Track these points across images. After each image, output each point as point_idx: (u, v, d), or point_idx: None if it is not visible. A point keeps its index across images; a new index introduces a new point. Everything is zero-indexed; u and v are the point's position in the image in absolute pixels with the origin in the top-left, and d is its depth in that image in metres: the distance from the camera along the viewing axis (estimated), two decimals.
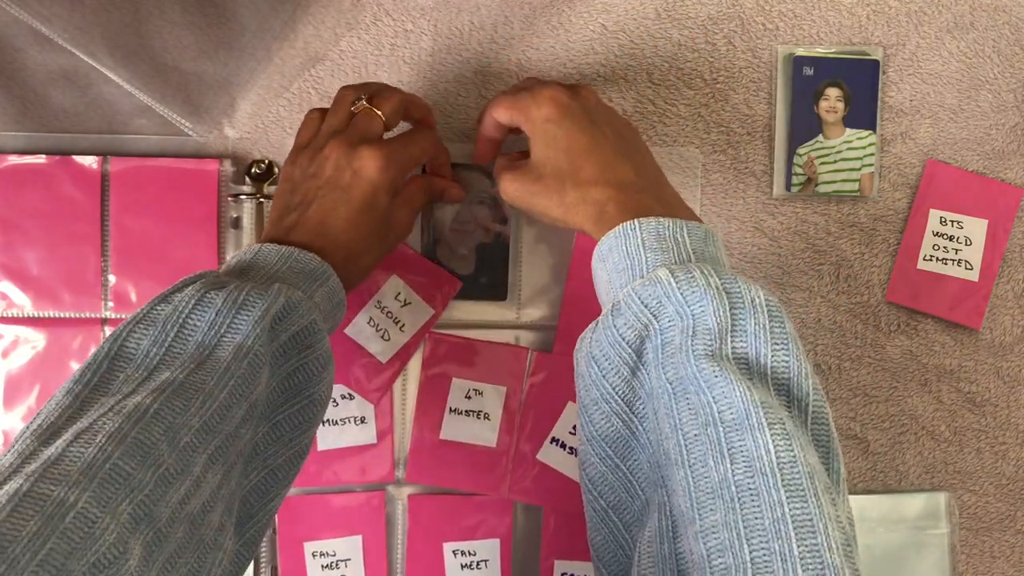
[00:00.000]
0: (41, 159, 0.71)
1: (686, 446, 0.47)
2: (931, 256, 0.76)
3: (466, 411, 0.73)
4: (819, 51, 0.75)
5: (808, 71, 0.75)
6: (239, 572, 0.53)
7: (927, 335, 0.77)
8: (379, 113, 0.64)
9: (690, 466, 0.47)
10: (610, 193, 0.59)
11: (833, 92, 0.75)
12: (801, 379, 0.49)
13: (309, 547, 0.72)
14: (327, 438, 0.72)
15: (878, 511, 0.77)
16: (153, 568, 0.43)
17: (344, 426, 0.72)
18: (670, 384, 0.49)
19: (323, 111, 0.66)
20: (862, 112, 0.75)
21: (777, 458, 0.45)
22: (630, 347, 0.52)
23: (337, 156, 0.61)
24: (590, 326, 0.55)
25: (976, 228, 0.77)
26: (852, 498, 0.77)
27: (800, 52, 0.75)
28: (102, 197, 0.71)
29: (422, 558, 0.73)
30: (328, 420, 0.72)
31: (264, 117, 0.73)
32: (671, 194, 0.61)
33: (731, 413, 0.46)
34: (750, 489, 0.44)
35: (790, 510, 0.43)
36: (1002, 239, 0.77)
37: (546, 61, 0.74)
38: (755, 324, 0.49)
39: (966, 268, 0.77)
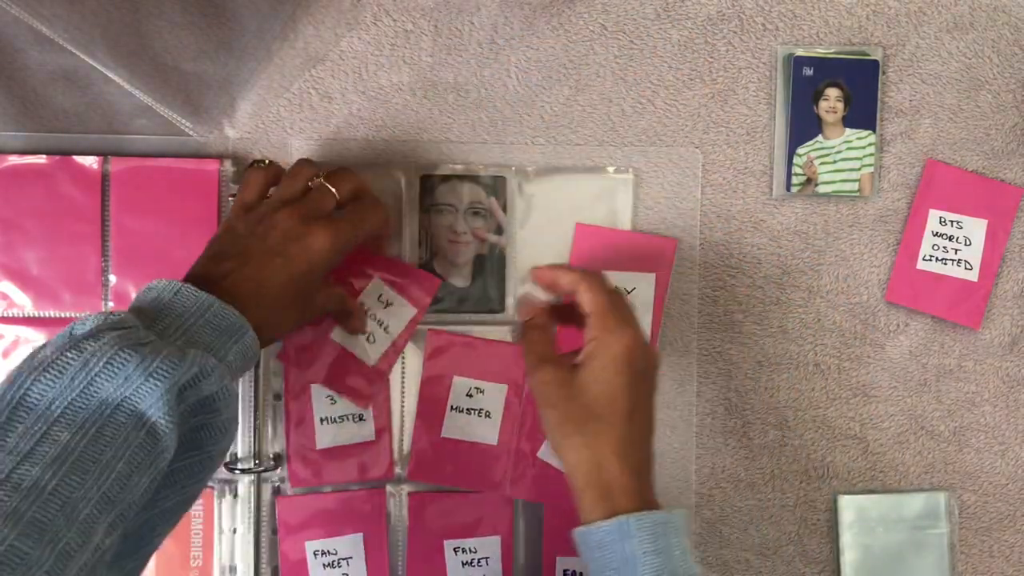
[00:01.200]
0: (41, 159, 0.71)
1: None
2: (931, 256, 0.77)
3: (467, 409, 0.73)
4: (819, 51, 0.75)
5: (808, 71, 0.75)
6: None
7: (927, 335, 0.77)
8: (333, 191, 0.64)
9: None
10: (621, 471, 0.59)
11: (833, 92, 0.75)
12: None
13: (310, 546, 0.72)
14: (325, 436, 0.72)
15: (878, 511, 0.77)
16: None
17: (342, 424, 0.72)
18: None
19: (265, 169, 0.66)
20: (862, 112, 0.75)
21: None
22: None
23: (287, 226, 0.61)
24: None
25: (976, 228, 0.77)
26: (852, 498, 0.77)
27: (800, 52, 0.75)
28: (102, 197, 0.71)
29: (423, 556, 0.73)
30: (326, 418, 0.72)
31: (264, 117, 0.73)
32: (652, 479, 0.62)
33: None
34: None
35: None
36: (1002, 239, 0.77)
37: (546, 61, 0.74)
38: None
39: (966, 268, 0.77)
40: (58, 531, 0.45)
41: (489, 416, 0.73)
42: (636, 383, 0.61)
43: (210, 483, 0.72)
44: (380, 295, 0.71)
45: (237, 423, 0.58)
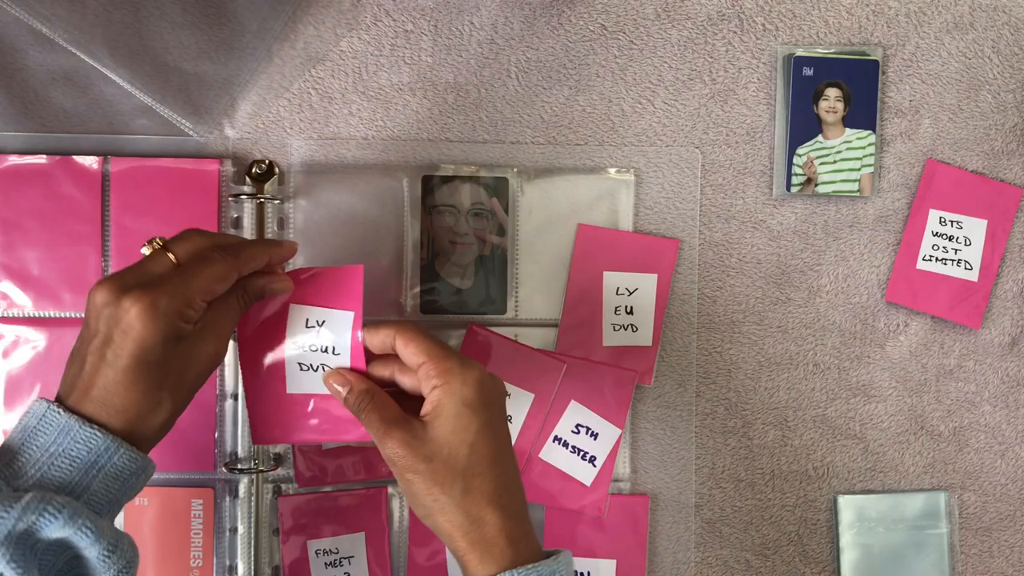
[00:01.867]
0: (42, 159, 0.71)
1: None
2: (931, 256, 0.77)
3: None
4: (819, 51, 0.75)
5: (808, 71, 0.75)
6: None
7: (927, 335, 0.77)
8: (171, 256, 0.55)
9: None
10: (502, 522, 0.55)
11: (833, 92, 0.75)
12: None
13: (312, 545, 0.72)
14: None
15: (878, 511, 0.77)
16: None
17: None
18: None
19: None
20: (862, 112, 0.76)
21: None
22: None
23: (103, 303, 0.53)
24: None
25: (975, 228, 0.77)
26: (852, 498, 0.77)
27: (800, 52, 0.75)
28: (102, 197, 0.71)
29: (424, 555, 0.73)
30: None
31: (264, 117, 0.73)
32: (529, 521, 0.58)
33: None
34: None
35: None
36: (1001, 239, 0.77)
37: (546, 61, 0.74)
38: None
39: (965, 268, 0.77)
40: None
41: (511, 420, 0.73)
42: (493, 420, 0.57)
43: (210, 484, 0.72)
44: (307, 320, 0.61)
45: (117, 554, 0.51)
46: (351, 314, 0.61)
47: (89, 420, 0.52)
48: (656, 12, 0.75)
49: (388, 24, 0.73)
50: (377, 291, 0.73)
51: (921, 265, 0.77)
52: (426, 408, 0.57)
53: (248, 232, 0.72)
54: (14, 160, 0.71)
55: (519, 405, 0.73)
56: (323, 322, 0.61)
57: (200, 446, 0.72)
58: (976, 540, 0.78)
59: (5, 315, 0.71)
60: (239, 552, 0.71)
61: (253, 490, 0.71)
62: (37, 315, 0.71)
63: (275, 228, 0.72)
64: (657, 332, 0.75)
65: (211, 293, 0.56)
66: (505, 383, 0.72)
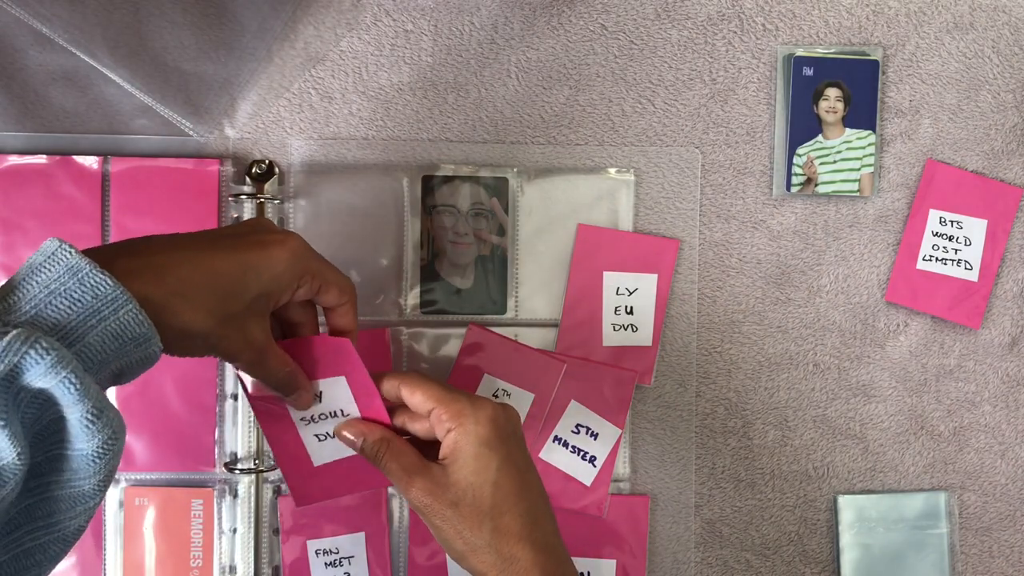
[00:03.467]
0: (41, 159, 0.71)
1: None
2: (931, 256, 0.77)
3: None
4: (819, 51, 0.75)
5: (808, 71, 0.75)
6: None
7: (927, 335, 0.77)
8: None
9: None
10: (535, 557, 0.54)
11: (833, 92, 0.75)
12: None
13: (312, 545, 0.72)
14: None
15: (878, 511, 0.77)
16: None
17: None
18: None
19: None
20: (862, 112, 0.76)
21: None
22: None
23: (256, 220, 0.57)
24: None
25: (975, 228, 0.77)
26: (852, 498, 0.77)
27: (800, 52, 0.75)
28: (102, 197, 0.71)
29: (424, 556, 0.73)
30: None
31: (264, 117, 0.73)
32: (568, 556, 0.58)
33: None
34: None
35: None
36: (1001, 239, 0.77)
37: (546, 61, 0.74)
38: None
39: (965, 268, 0.77)
40: None
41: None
42: (512, 454, 0.56)
43: (210, 484, 0.72)
44: (319, 393, 0.60)
45: (103, 421, 0.44)
46: (342, 378, 0.59)
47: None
48: (656, 12, 0.75)
49: (388, 24, 0.73)
50: (377, 291, 0.73)
51: (921, 265, 0.77)
52: (443, 452, 0.56)
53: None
54: (14, 160, 0.71)
55: (519, 405, 0.73)
56: (320, 393, 0.60)
57: (200, 446, 0.72)
58: (976, 540, 0.78)
59: None
60: (239, 552, 0.71)
61: (253, 490, 0.71)
62: None
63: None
64: (657, 332, 0.75)
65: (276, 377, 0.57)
66: (505, 382, 0.72)
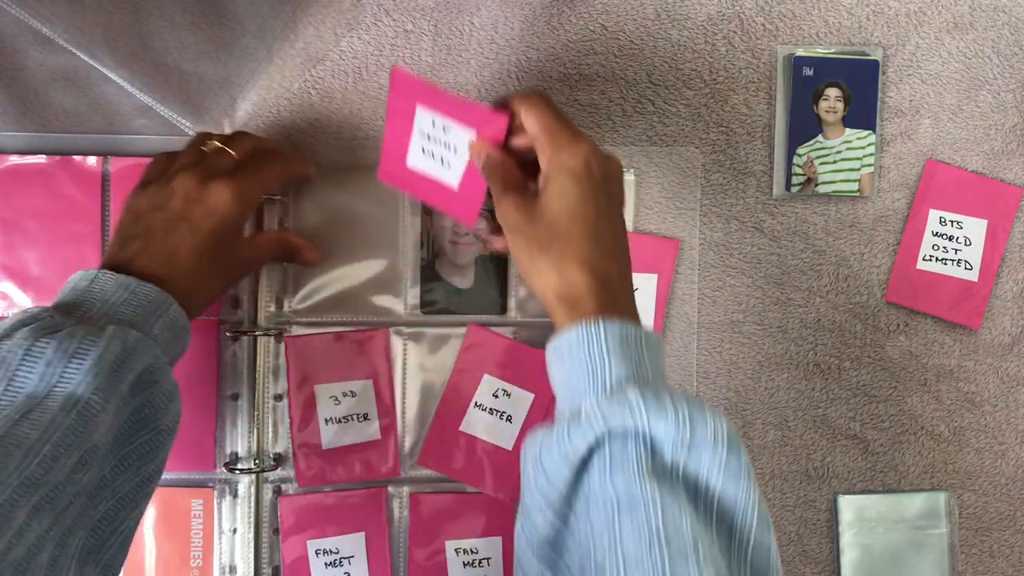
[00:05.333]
0: (41, 159, 0.71)
1: (626, 565, 0.47)
2: (931, 256, 0.77)
3: (491, 409, 0.73)
4: (819, 51, 0.75)
5: (808, 71, 0.75)
6: None
7: (927, 335, 0.77)
8: (229, 151, 0.64)
9: None
10: (591, 283, 0.56)
11: (833, 92, 0.75)
12: (748, 511, 0.49)
13: (312, 545, 0.72)
14: (330, 436, 0.72)
15: (878, 511, 0.77)
16: None
17: (347, 424, 0.72)
18: (616, 495, 0.49)
19: (172, 155, 0.66)
20: (862, 112, 0.76)
21: None
22: (579, 458, 0.51)
23: (186, 189, 0.61)
24: (541, 429, 0.54)
25: (976, 228, 0.77)
26: (852, 498, 0.77)
27: (800, 52, 0.75)
28: (102, 197, 0.71)
29: (424, 556, 0.73)
30: (331, 418, 0.72)
31: (264, 117, 0.73)
32: (634, 301, 0.60)
33: (678, 539, 0.46)
34: None
35: None
36: (1001, 239, 0.77)
37: (546, 61, 0.74)
38: (713, 455, 0.50)
39: (966, 268, 0.77)
40: None
41: (510, 420, 0.73)
42: (597, 194, 0.58)
43: (210, 484, 0.72)
44: (432, 122, 0.64)
45: (179, 396, 0.58)
46: (472, 131, 0.63)
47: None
48: (656, 12, 0.75)
49: (388, 24, 0.73)
50: (377, 291, 0.73)
51: (921, 265, 0.77)
52: (540, 179, 0.59)
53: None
54: (14, 160, 0.71)
55: (519, 405, 0.73)
56: (447, 128, 0.63)
57: (200, 446, 0.72)
58: (976, 540, 0.78)
59: (5, 315, 0.71)
60: (239, 552, 0.71)
61: (253, 490, 0.71)
62: None
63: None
64: (657, 332, 0.75)
65: (271, 186, 0.66)
66: (505, 382, 0.72)
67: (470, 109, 0.62)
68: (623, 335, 0.54)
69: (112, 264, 0.59)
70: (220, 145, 0.65)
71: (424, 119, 0.64)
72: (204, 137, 0.66)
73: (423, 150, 0.65)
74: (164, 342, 0.58)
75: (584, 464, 0.51)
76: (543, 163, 0.59)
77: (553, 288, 0.57)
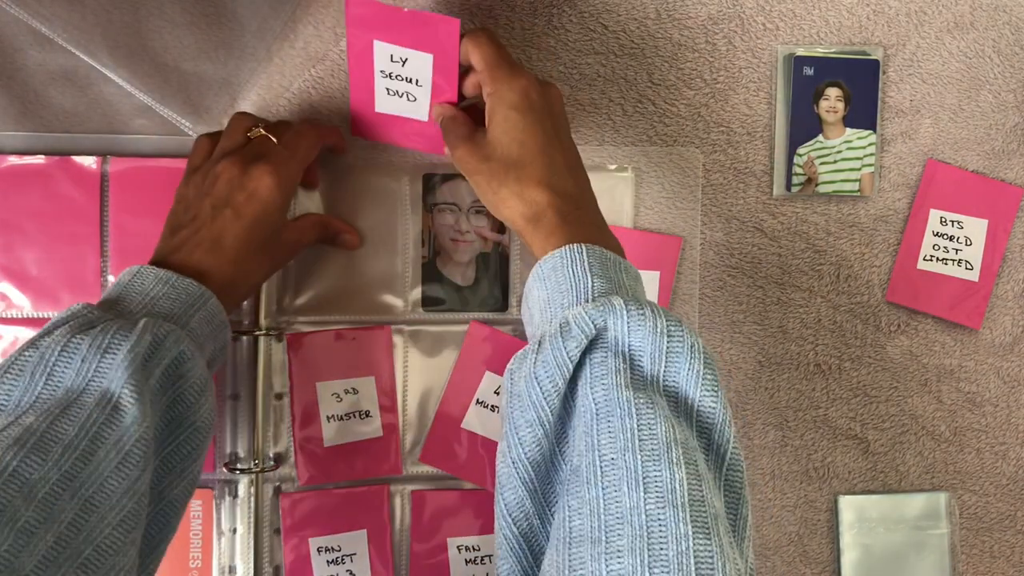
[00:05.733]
0: (40, 159, 0.71)
1: (601, 468, 0.47)
2: (931, 256, 0.77)
3: (492, 406, 0.73)
4: (819, 51, 0.75)
5: (808, 71, 0.75)
6: None
7: (927, 335, 0.77)
8: (274, 139, 0.65)
9: (603, 488, 0.47)
10: (550, 198, 0.60)
11: (833, 92, 0.75)
12: (724, 426, 0.51)
13: (314, 543, 0.72)
14: (332, 434, 0.72)
15: (878, 511, 0.77)
16: None
17: (348, 421, 0.72)
18: (595, 404, 0.50)
19: (214, 136, 0.67)
20: (862, 112, 0.76)
21: (689, 495, 0.46)
22: (574, 364, 0.52)
23: (230, 175, 0.62)
24: (530, 347, 0.54)
25: (976, 228, 0.77)
26: (852, 498, 0.77)
27: (800, 52, 0.75)
28: (101, 197, 0.71)
29: (426, 553, 0.73)
30: (332, 415, 0.72)
31: (264, 117, 0.73)
32: (603, 219, 0.62)
33: (652, 443, 0.47)
34: (659, 520, 0.45)
35: (694, 545, 0.44)
36: (1002, 239, 0.77)
37: (546, 61, 0.74)
38: (689, 368, 0.51)
39: (966, 268, 0.77)
40: (16, 511, 0.46)
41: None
42: (541, 121, 0.62)
43: (209, 484, 0.72)
44: (391, 56, 0.68)
45: (211, 391, 0.58)
46: (430, 56, 0.66)
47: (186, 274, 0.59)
48: (656, 12, 0.75)
49: None
50: (378, 289, 0.73)
51: (922, 265, 0.77)
52: (487, 115, 0.63)
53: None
54: (13, 160, 0.71)
55: None
56: (406, 60, 0.67)
57: None
58: (977, 540, 0.78)
59: (4, 316, 0.71)
60: (239, 552, 0.71)
61: (253, 490, 0.71)
62: (36, 316, 0.71)
63: None
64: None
65: (310, 159, 0.67)
66: None
67: (424, 22, 0.65)
68: (604, 259, 0.56)
69: (161, 254, 0.61)
70: (265, 133, 0.65)
71: (382, 55, 0.67)
72: (245, 120, 0.66)
73: (387, 91, 0.69)
74: (203, 336, 0.58)
75: (574, 380, 0.52)
76: (486, 99, 0.63)
77: (519, 212, 0.60)
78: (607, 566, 0.44)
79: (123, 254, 0.71)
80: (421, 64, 0.66)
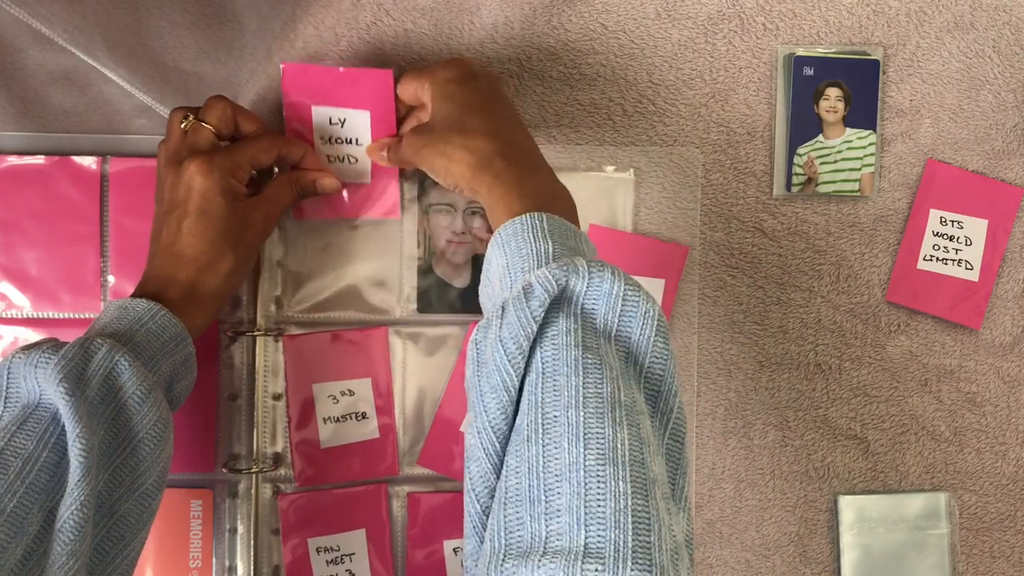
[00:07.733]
0: (40, 159, 0.71)
1: (543, 425, 0.47)
2: (931, 256, 0.76)
3: None
4: (819, 51, 0.75)
5: (808, 71, 0.75)
6: None
7: (927, 335, 0.77)
8: (207, 126, 0.64)
9: (543, 445, 0.46)
10: (497, 146, 0.61)
11: (833, 92, 0.75)
12: (670, 396, 0.51)
13: (313, 543, 0.72)
14: (328, 435, 0.72)
15: (878, 511, 0.77)
16: None
17: (345, 423, 0.72)
18: (542, 363, 0.49)
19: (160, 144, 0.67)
20: (862, 112, 0.75)
21: (630, 455, 0.45)
22: (536, 327, 0.51)
23: (172, 180, 0.63)
24: (493, 313, 0.53)
25: (976, 228, 0.77)
26: (852, 498, 0.77)
27: (800, 52, 0.75)
28: (101, 197, 0.71)
29: (423, 556, 0.73)
30: (329, 417, 0.72)
31: (264, 117, 0.73)
32: (550, 168, 0.63)
33: (596, 401, 0.47)
34: (598, 476, 0.44)
35: (632, 504, 0.44)
36: (1002, 239, 0.77)
37: (546, 61, 0.74)
38: (641, 333, 0.51)
39: (966, 268, 0.77)
40: None
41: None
42: (476, 86, 0.64)
43: (209, 484, 0.72)
44: (330, 119, 0.70)
45: (154, 401, 0.56)
46: (367, 113, 0.70)
47: (155, 297, 0.60)
48: (656, 12, 0.75)
49: (388, 24, 0.73)
50: (375, 291, 0.73)
51: (922, 265, 0.76)
52: (428, 102, 0.65)
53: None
54: (13, 160, 0.71)
55: None
56: (344, 120, 0.70)
57: (200, 446, 0.72)
58: (977, 540, 0.78)
59: (4, 316, 0.71)
60: (239, 552, 0.71)
61: (252, 490, 0.71)
62: (36, 316, 0.71)
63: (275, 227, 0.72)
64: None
65: (260, 162, 0.66)
66: None
67: (358, 78, 0.69)
68: (564, 227, 0.57)
69: (143, 274, 0.63)
70: (195, 120, 0.65)
71: (321, 119, 0.70)
72: (178, 115, 0.65)
73: (328, 159, 0.71)
74: (152, 351, 0.58)
75: (536, 342, 0.51)
76: (425, 91, 0.65)
77: (466, 161, 0.61)
78: (546, 526, 0.44)
79: (123, 254, 0.71)
80: (361, 122, 0.70)
